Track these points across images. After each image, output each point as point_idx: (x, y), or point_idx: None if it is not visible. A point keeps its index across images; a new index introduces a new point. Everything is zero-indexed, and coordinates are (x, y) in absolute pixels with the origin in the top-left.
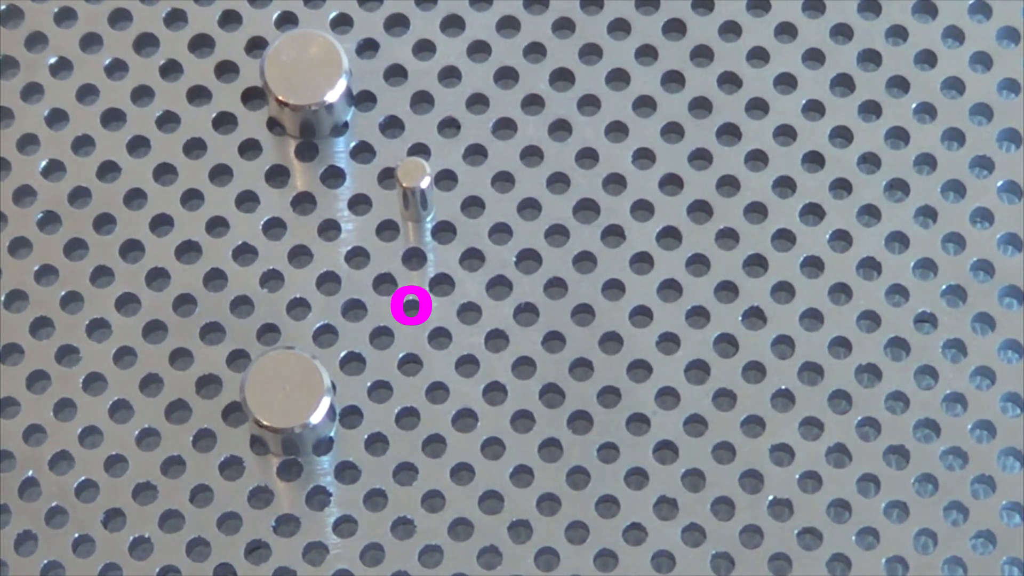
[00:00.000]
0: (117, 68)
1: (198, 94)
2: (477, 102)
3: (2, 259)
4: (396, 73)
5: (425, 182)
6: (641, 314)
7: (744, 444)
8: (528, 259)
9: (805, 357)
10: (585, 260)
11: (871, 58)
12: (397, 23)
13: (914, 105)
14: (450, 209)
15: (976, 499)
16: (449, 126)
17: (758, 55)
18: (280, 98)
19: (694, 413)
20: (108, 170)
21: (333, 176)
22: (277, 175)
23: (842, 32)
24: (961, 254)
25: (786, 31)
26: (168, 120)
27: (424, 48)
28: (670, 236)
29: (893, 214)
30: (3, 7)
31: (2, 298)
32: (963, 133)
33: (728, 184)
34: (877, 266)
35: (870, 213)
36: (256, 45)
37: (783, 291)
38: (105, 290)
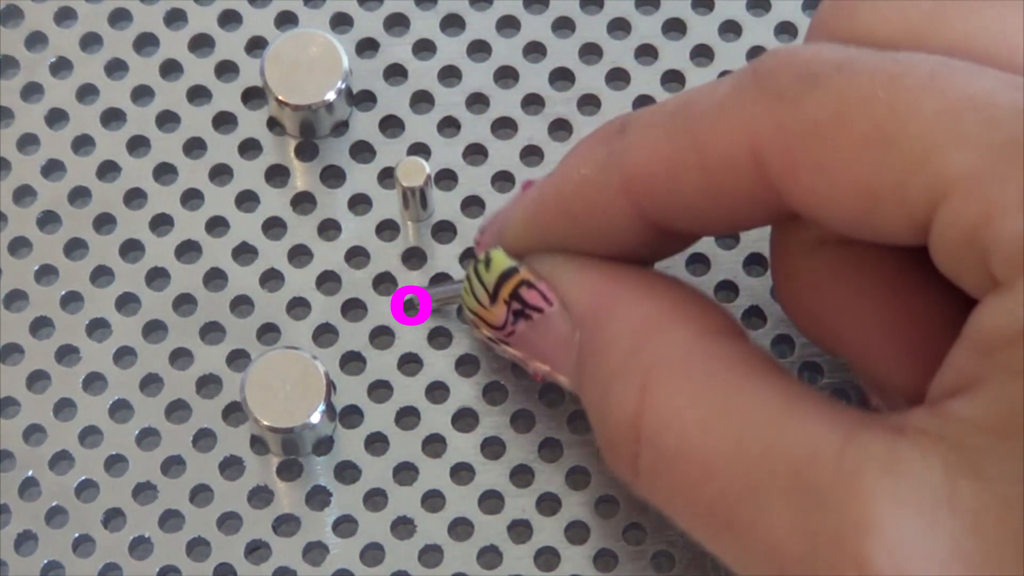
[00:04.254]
0: (117, 68)
1: (198, 94)
2: (477, 102)
3: (2, 259)
4: (396, 73)
5: (425, 182)
6: None
7: None
8: None
9: (804, 356)
10: None
11: None
12: (397, 23)
13: None
14: (450, 209)
15: None
16: (449, 126)
17: (758, 55)
18: (280, 98)
19: None
20: (108, 170)
21: (333, 176)
22: (277, 175)
23: None
24: None
25: (786, 31)
26: (168, 120)
27: (424, 48)
28: None
29: None
30: (3, 7)
31: (2, 298)
32: None
33: None
34: None
35: None
36: (256, 45)
37: None
38: (105, 290)
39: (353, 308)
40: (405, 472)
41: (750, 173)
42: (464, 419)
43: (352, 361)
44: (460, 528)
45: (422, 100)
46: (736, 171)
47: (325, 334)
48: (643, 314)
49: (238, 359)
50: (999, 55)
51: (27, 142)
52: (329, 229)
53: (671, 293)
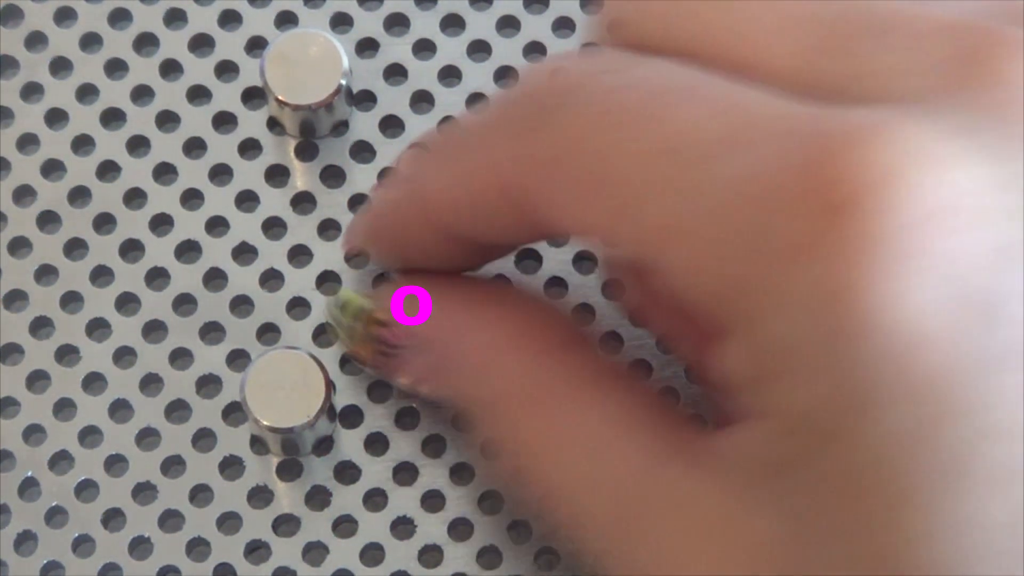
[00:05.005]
0: (117, 68)
1: (198, 94)
2: (477, 102)
3: (2, 259)
4: (396, 73)
5: None
6: None
7: None
8: (528, 258)
9: None
10: (585, 260)
11: None
12: (397, 23)
13: None
14: None
15: None
16: None
17: None
18: (280, 98)
19: (693, 413)
20: (108, 170)
21: (333, 176)
22: (277, 175)
23: None
24: None
25: None
26: (168, 120)
27: (424, 48)
28: None
29: None
30: (3, 7)
31: (2, 298)
32: None
33: None
34: None
35: None
36: (256, 45)
37: None
38: (105, 290)
39: None
40: (405, 472)
41: (504, 203)
42: (464, 418)
43: (352, 361)
44: (460, 528)
45: (422, 100)
46: (494, 201)
47: (325, 334)
48: (487, 340)
49: (238, 359)
50: (750, 56)
51: (27, 142)
52: (329, 229)
53: (514, 312)
